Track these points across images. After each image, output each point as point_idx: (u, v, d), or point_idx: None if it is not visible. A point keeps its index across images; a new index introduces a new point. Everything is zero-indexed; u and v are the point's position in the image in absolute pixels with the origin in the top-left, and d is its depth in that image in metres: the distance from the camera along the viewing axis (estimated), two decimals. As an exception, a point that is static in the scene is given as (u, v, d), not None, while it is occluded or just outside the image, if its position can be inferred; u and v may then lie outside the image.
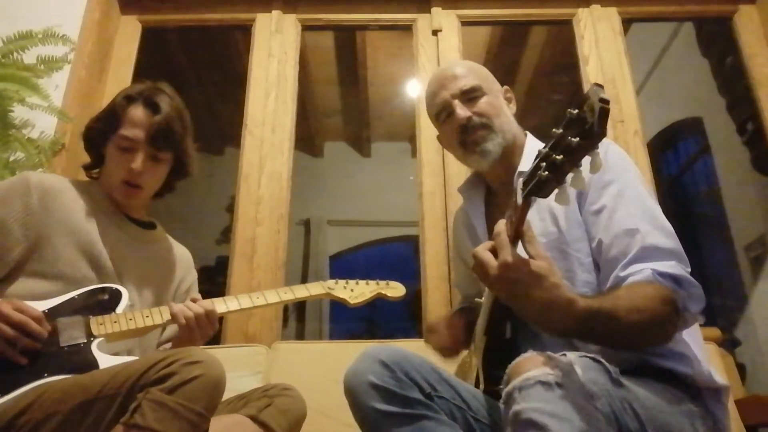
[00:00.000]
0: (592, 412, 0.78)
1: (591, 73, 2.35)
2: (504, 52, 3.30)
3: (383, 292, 1.43)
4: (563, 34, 2.88)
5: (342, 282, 1.42)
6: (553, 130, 0.75)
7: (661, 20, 3.06)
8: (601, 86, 0.69)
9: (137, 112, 1.30)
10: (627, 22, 2.54)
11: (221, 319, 1.98)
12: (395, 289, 1.45)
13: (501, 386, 0.84)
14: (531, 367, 0.81)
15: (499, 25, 3.04)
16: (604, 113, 0.67)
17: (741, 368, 2.49)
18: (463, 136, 1.26)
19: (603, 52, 2.38)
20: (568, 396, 0.77)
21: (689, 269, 1.01)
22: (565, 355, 0.85)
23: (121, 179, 1.30)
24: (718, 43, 3.05)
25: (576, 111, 0.71)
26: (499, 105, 1.30)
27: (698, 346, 1.06)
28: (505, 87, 1.38)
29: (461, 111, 1.25)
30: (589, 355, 0.89)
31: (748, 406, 1.63)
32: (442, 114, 1.30)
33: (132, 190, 1.31)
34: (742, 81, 2.46)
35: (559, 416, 0.75)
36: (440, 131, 1.37)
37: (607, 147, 1.15)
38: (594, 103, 0.68)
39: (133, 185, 1.31)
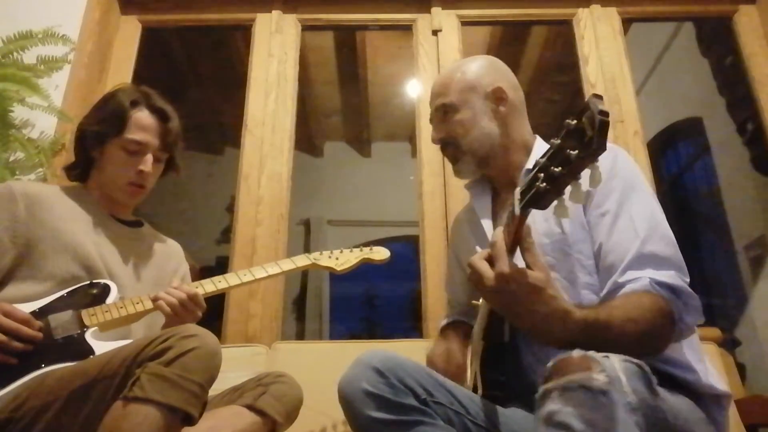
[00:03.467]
0: (631, 427, 0.74)
1: (591, 73, 2.35)
2: (504, 52, 3.29)
3: (368, 257, 1.46)
4: (563, 34, 2.89)
5: (326, 252, 1.46)
6: (552, 140, 0.73)
7: (661, 20, 3.06)
8: (600, 97, 0.66)
9: (144, 116, 1.35)
10: (627, 22, 2.53)
11: (221, 314, 2.00)
12: (379, 253, 1.48)
13: (540, 382, 0.80)
14: (576, 369, 0.78)
15: (499, 25, 3.03)
16: (604, 126, 0.64)
17: (741, 368, 2.49)
18: (442, 152, 1.36)
19: (603, 52, 2.38)
20: (611, 406, 0.74)
21: (688, 279, 1.00)
22: (607, 356, 0.81)
23: (128, 180, 1.35)
24: (718, 43, 3.05)
25: (575, 122, 0.68)
26: (471, 120, 1.28)
27: (699, 354, 1.06)
28: (496, 86, 1.29)
29: (433, 133, 1.34)
30: (633, 360, 0.84)
31: (748, 406, 1.62)
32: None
33: (138, 190, 1.37)
34: (742, 81, 2.45)
35: (597, 426, 0.72)
36: None
37: (616, 153, 1.15)
38: (594, 116, 0.65)
39: (138, 185, 1.36)
